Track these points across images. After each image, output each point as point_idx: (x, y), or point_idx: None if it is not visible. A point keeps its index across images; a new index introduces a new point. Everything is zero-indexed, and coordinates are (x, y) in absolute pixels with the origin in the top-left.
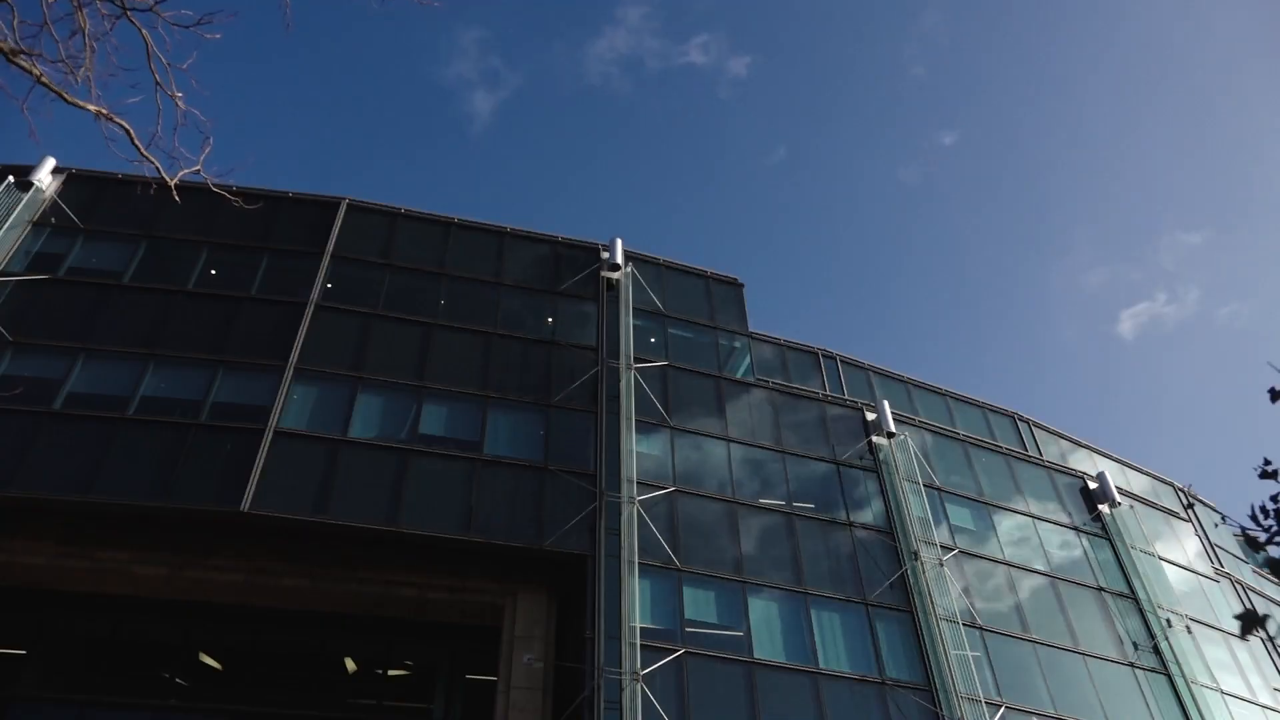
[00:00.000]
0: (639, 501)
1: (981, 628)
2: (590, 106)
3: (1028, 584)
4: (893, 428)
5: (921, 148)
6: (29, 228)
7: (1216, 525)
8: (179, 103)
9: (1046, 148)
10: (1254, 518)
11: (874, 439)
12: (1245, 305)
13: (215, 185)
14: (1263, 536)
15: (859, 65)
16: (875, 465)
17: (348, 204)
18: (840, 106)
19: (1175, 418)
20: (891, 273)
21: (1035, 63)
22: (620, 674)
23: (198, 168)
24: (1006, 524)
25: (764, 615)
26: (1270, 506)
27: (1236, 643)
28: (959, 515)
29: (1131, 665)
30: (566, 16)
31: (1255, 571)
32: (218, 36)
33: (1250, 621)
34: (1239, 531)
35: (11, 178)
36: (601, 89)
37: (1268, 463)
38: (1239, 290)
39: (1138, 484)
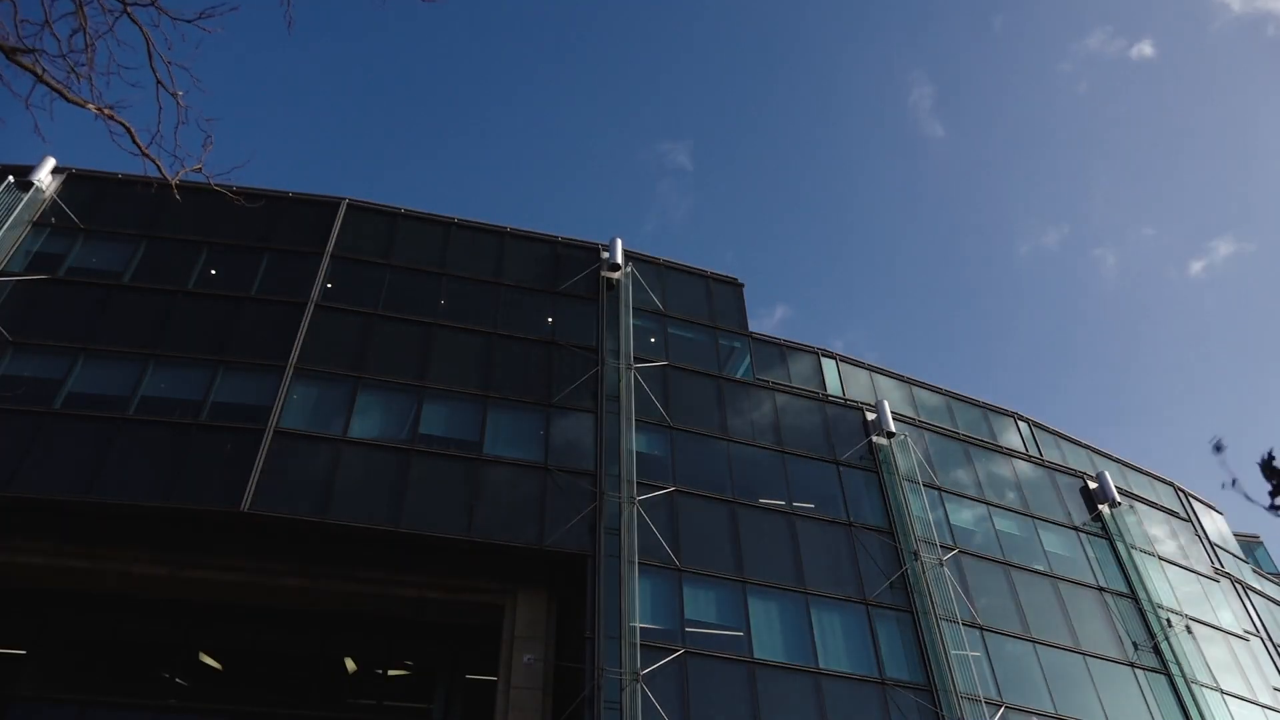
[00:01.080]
0: (639, 501)
1: (981, 628)
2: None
3: (1028, 584)
4: (893, 428)
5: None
6: (29, 228)
7: (1224, 487)
8: (180, 101)
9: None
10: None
11: (874, 439)
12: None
13: (216, 184)
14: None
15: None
16: (875, 465)
17: (348, 204)
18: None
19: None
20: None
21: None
22: (620, 674)
23: (199, 166)
24: (1006, 524)
25: (764, 615)
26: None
27: (1236, 643)
28: (959, 515)
29: (1132, 665)
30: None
31: (1255, 571)
32: (220, 30)
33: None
34: (1249, 497)
35: (11, 178)
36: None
37: (1273, 457)
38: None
39: (1138, 484)
